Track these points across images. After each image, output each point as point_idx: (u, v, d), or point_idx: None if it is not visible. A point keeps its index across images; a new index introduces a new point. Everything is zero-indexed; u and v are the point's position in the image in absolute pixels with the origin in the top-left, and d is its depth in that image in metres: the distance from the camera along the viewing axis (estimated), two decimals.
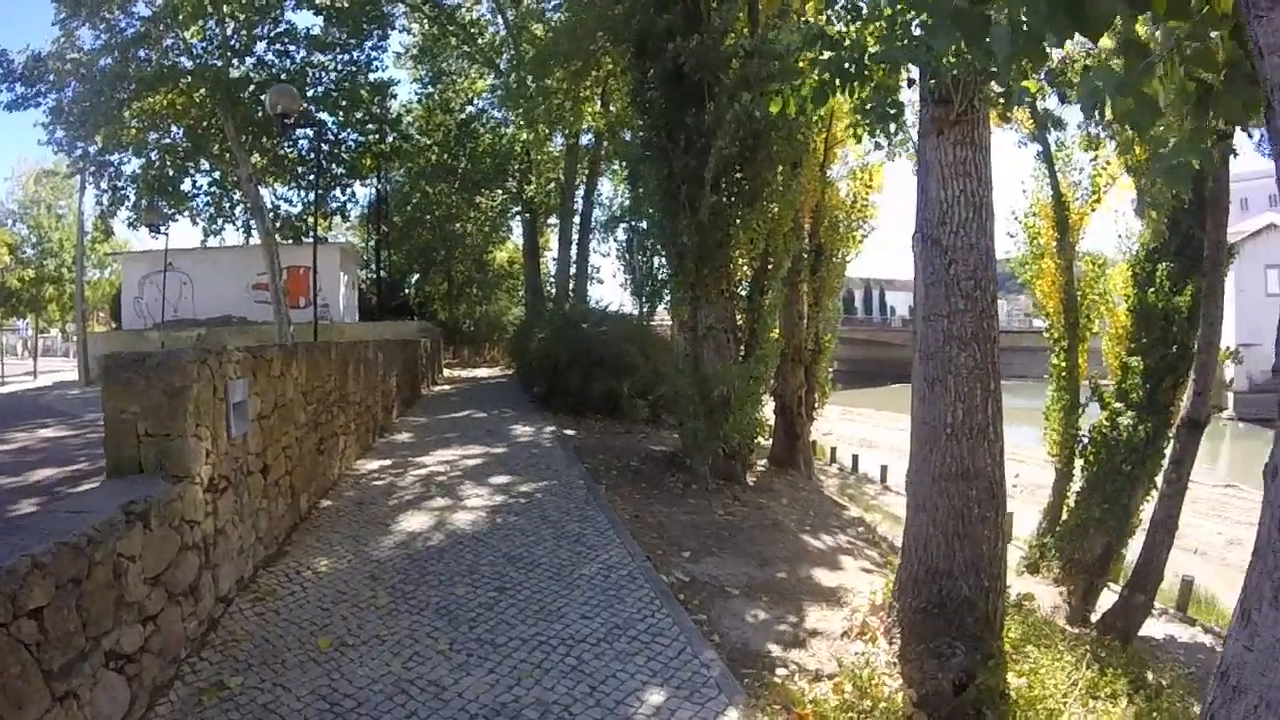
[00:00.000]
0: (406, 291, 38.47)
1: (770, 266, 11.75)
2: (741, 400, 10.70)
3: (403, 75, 30.42)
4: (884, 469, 21.56)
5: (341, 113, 22.40)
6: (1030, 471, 23.58)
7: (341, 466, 9.56)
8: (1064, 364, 11.63)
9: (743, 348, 11.48)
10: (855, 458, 21.21)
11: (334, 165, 23.67)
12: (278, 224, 23.86)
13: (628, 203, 26.52)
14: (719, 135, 10.30)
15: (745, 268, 11.85)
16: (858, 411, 34.45)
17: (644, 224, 26.15)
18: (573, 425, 14.72)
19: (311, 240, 24.87)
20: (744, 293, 12.01)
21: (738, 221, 10.85)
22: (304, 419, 7.67)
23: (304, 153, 23.08)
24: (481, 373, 30.45)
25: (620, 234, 29.19)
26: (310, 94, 20.98)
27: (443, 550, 6.67)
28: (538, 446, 12.06)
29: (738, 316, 11.61)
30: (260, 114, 19.40)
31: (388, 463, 10.53)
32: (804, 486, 13.83)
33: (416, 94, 32.83)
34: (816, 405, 16.12)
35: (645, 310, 23.11)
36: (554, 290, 30.17)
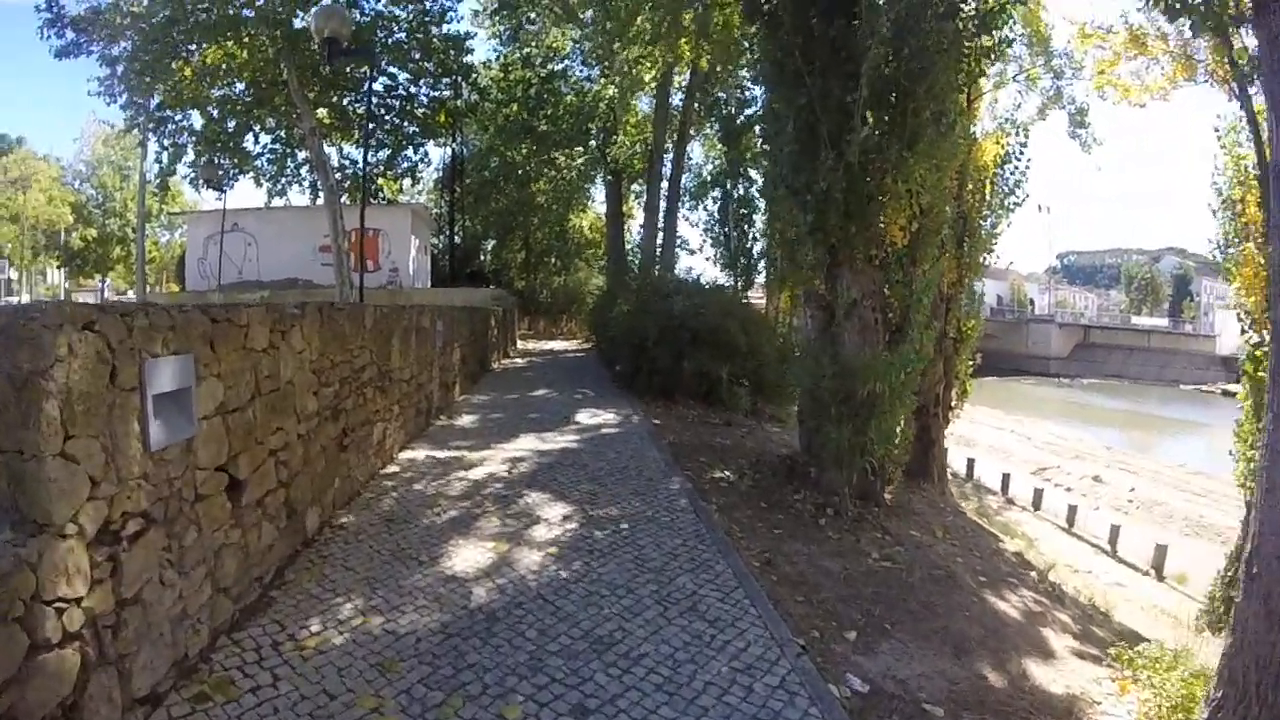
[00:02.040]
0: (482, 258, 36.78)
1: (926, 228, 9.19)
2: (892, 400, 8.26)
3: (480, 34, 28.20)
4: (1005, 478, 18.83)
5: (413, 65, 20.63)
6: (1185, 503, 20.62)
7: (377, 462, 7.49)
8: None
9: (888, 332, 9.04)
10: (971, 463, 18.40)
11: (405, 122, 21.93)
12: (345, 184, 22.48)
13: (724, 165, 24.26)
14: (873, 49, 7.82)
15: (899, 228, 9.30)
16: None
17: (740, 189, 24.09)
18: (662, 413, 12.48)
19: (373, 199, 23.49)
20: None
21: (895, 165, 8.33)
22: (314, 407, 5.55)
23: (374, 108, 21.55)
24: (558, 345, 28.45)
25: (711, 202, 27.20)
26: (381, 45, 19.54)
27: (493, 619, 4.44)
28: (624, 441, 9.82)
29: (886, 291, 9.14)
30: (325, 67, 18.00)
31: (439, 456, 8.44)
32: (943, 505, 11.32)
33: (495, 50, 30.84)
34: (955, 405, 13.49)
35: (739, 285, 20.67)
36: (639, 260, 27.95)
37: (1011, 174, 13.07)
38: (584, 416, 11.50)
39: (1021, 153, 12.98)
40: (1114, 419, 43.10)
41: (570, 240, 39.53)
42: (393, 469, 7.80)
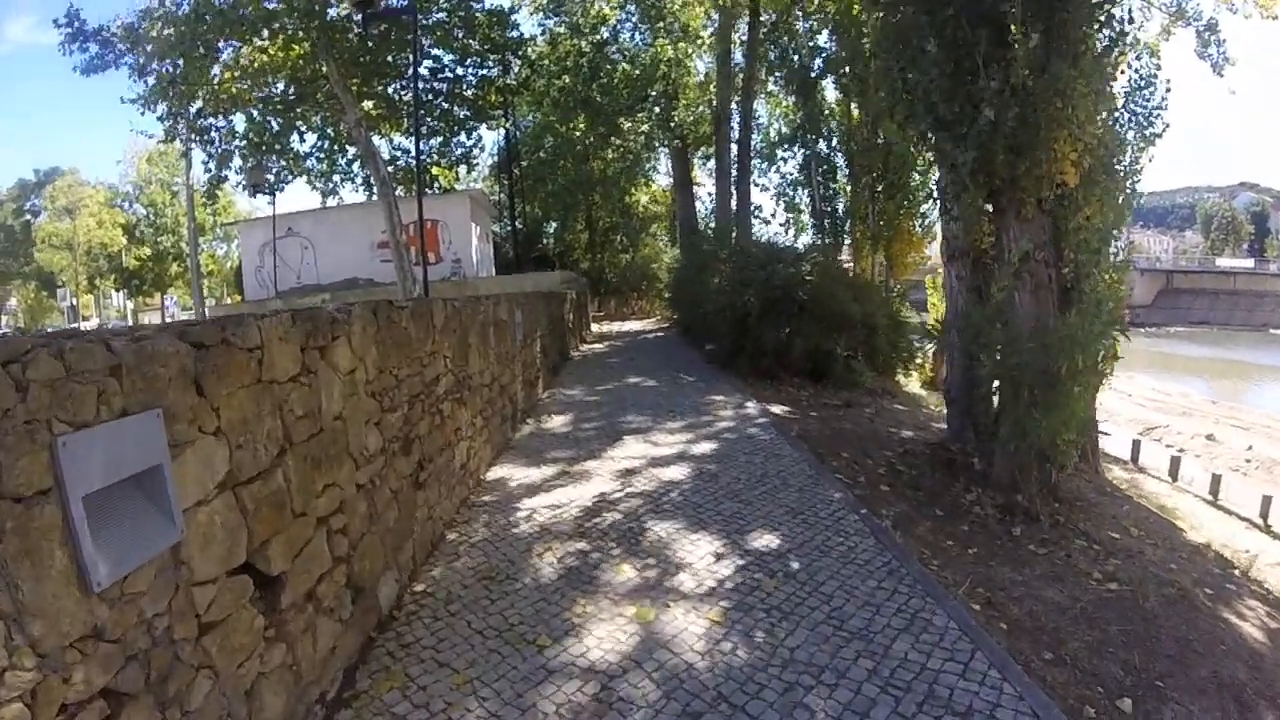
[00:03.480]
0: (545, 241, 35.43)
1: (1095, 165, 7.32)
2: (1076, 377, 6.53)
3: (523, 10, 26.61)
4: (1136, 445, 16.45)
5: (458, 44, 19.24)
6: None
7: (463, 491, 6.07)
8: None
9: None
10: (1137, 443, 16.04)
11: (454, 105, 20.65)
12: (398, 176, 21.37)
13: (798, 120, 22.32)
14: None
15: (1071, 163, 7.39)
16: None
17: (826, 143, 22.12)
18: (773, 396, 10.91)
19: (428, 189, 22.27)
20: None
21: (1064, 87, 6.52)
22: (377, 443, 4.10)
23: (420, 92, 20.37)
24: (633, 326, 26.94)
25: (782, 164, 25.29)
26: (421, 26, 18.13)
27: None
28: (749, 438, 8.23)
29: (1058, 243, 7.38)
30: (365, 57, 17.32)
31: (534, 474, 6.98)
32: (1113, 492, 9.47)
33: (539, 25, 29.20)
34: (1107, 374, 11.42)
35: (829, 247, 18.78)
36: (712, 230, 26.20)
37: (1146, 100, 10.91)
38: (691, 408, 9.93)
39: (1155, 76, 10.83)
40: (1207, 368, 39.66)
41: (634, 215, 37.94)
42: (482, 496, 6.37)
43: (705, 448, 7.80)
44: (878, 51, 9.21)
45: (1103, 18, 6.88)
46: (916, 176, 19.57)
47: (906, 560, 4.92)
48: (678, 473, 6.83)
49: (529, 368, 10.02)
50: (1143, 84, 11.40)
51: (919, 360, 16.96)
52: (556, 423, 9.35)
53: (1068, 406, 6.40)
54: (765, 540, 5.19)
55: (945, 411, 13.76)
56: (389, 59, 18.03)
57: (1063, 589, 5.04)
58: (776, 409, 10.01)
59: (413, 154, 20.61)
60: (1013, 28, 6.48)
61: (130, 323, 41.76)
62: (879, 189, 19.33)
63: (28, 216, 45.14)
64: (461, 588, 4.57)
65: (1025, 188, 6.79)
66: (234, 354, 2.62)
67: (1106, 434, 11.90)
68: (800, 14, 21.51)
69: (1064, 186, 7.01)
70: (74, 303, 43.68)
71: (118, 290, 43.08)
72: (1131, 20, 7.57)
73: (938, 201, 8.83)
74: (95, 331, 2.11)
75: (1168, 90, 10.12)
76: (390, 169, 20.65)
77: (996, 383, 7.22)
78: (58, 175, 43.91)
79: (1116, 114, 9.52)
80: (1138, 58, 11.43)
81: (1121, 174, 10.83)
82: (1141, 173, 10.97)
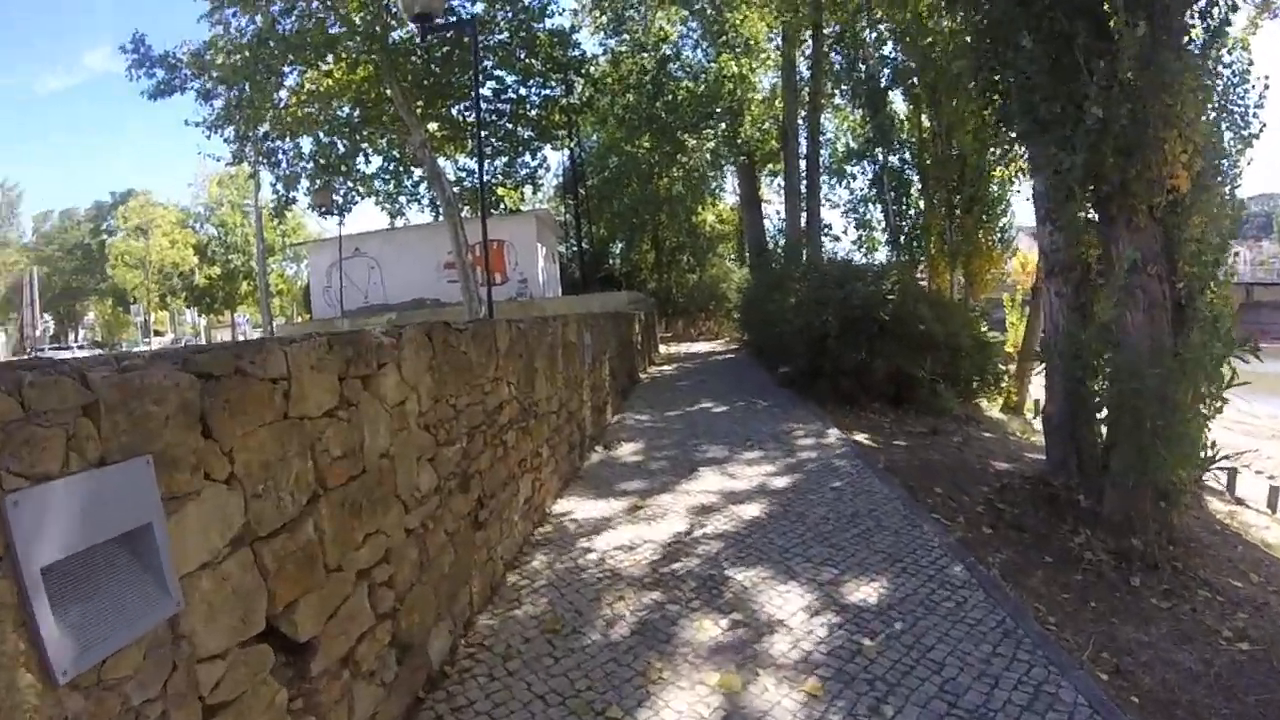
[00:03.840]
0: (611, 262, 35.18)
1: (1206, 169, 6.59)
2: (1190, 405, 5.85)
3: (583, 31, 26.48)
4: (1232, 475, 15.00)
5: (520, 65, 19.19)
6: None
7: (526, 527, 5.61)
8: None
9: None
10: (1233, 472, 14.75)
11: (518, 126, 20.63)
12: (463, 196, 21.40)
13: (867, 133, 21.59)
14: None
15: (1183, 166, 6.65)
16: None
17: (897, 156, 21.33)
18: (854, 423, 10.26)
19: (494, 210, 22.19)
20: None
21: (1171, 81, 5.87)
22: (431, 482, 3.66)
23: (484, 114, 20.36)
24: (701, 347, 26.37)
25: (851, 179, 24.57)
26: (482, 46, 18.11)
27: None
28: (833, 470, 7.61)
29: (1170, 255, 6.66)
30: (428, 81, 17.49)
31: (603, 508, 6.49)
32: (1222, 531, 8.54)
33: (600, 45, 29.04)
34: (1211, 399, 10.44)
35: (904, 266, 17.96)
36: (781, 249, 25.54)
37: (1242, 98, 9.94)
38: (768, 436, 9.34)
39: (1248, 72, 9.86)
40: None
41: (700, 235, 37.46)
42: (546, 531, 5.91)
43: (787, 481, 7.21)
44: (962, 53, 8.58)
45: (1202, 4, 6.22)
46: (994, 189, 18.73)
47: (1022, 619, 4.29)
48: (759, 510, 6.26)
49: (598, 392, 9.57)
50: (1237, 80, 10.48)
51: (1004, 384, 16.05)
52: (626, 451, 8.86)
53: (1189, 437, 5.70)
54: (863, 593, 4.59)
55: (1040, 440, 12.89)
56: (452, 81, 18.03)
57: (1193, 651, 4.38)
58: (859, 437, 9.37)
59: (477, 175, 20.61)
60: (1113, 19, 5.86)
61: (203, 339, 42.89)
62: (955, 202, 18.49)
63: (104, 236, 47.00)
64: (522, 641, 4.09)
65: (1136, 193, 6.13)
66: (251, 386, 2.19)
67: (1232, 467, 10.80)
68: (865, 23, 20.87)
69: (1175, 192, 6.32)
70: (146, 318, 45.22)
71: (188, 307, 44.50)
72: (1235, 8, 6.84)
73: (1034, 211, 8.09)
74: (69, 362, 1.69)
75: (1265, 87, 9.19)
76: (456, 189, 20.67)
77: (1104, 411, 6.55)
78: (131, 197, 45.68)
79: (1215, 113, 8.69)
80: (1229, 51, 10.55)
81: (1223, 180, 9.96)
82: (1241, 177, 10.05)
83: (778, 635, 4.05)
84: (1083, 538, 5.95)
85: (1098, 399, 6.73)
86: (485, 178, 21.38)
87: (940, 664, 3.74)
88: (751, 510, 6.25)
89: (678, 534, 5.70)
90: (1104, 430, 6.77)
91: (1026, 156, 7.74)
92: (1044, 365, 7.92)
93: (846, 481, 7.13)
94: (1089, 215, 6.83)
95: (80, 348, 43.41)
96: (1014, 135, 7.85)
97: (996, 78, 7.43)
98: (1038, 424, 17.02)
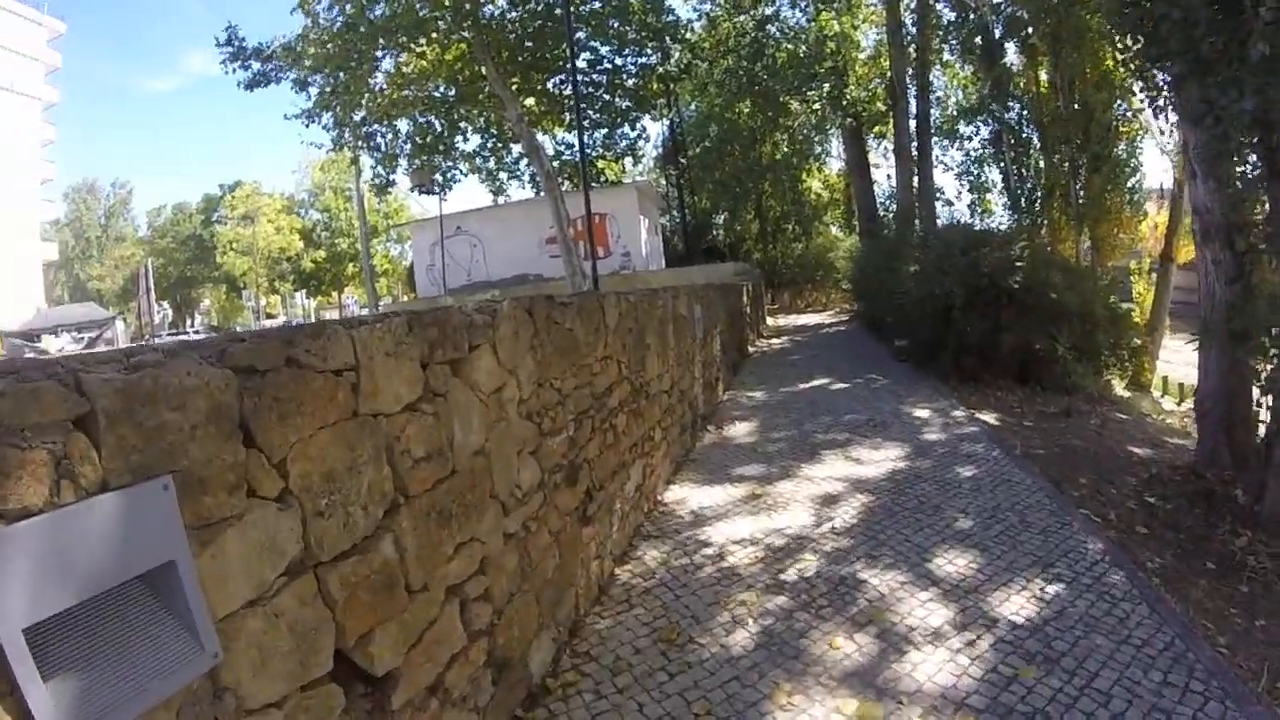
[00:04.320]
0: (715, 233, 34.46)
1: None
2: None
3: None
4: None
5: (614, 33, 18.75)
6: None
7: (636, 517, 5.18)
8: None
9: None
10: None
11: (615, 97, 20.22)
12: (564, 171, 21.19)
13: (984, 89, 20.23)
14: None
15: None
16: None
17: (1015, 112, 19.90)
18: (981, 402, 9.46)
19: (595, 183, 21.87)
20: None
21: None
22: (533, 478, 3.25)
23: (580, 84, 20.02)
24: (810, 319, 25.45)
25: (964, 140, 23.22)
26: (577, 17, 17.98)
27: None
28: (965, 456, 6.89)
29: None
30: (522, 56, 17.38)
31: (718, 495, 6.01)
32: None
33: (694, 9, 28.07)
34: None
35: (1028, 230, 16.65)
36: (893, 214, 24.35)
37: None
38: (891, 416, 8.65)
39: None
40: None
41: (806, 203, 36.28)
42: (658, 521, 5.47)
43: (917, 467, 6.55)
44: None
45: None
46: (1122, 146, 17.21)
47: (1192, 641, 3.61)
48: (889, 501, 5.66)
49: (709, 368, 9.07)
50: None
51: (1143, 360, 14.80)
52: (740, 431, 8.34)
53: None
54: (1014, 605, 3.97)
55: (1175, 423, 11.74)
56: (546, 54, 17.75)
57: None
58: (987, 417, 8.59)
59: (577, 149, 20.34)
60: None
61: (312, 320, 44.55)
62: (1080, 162, 17.03)
63: (214, 226, 49.24)
64: (633, 651, 3.66)
65: None
66: (308, 380, 1.79)
67: None
68: None
69: None
70: (257, 303, 47.19)
71: (295, 291, 46.14)
72: None
73: (1186, 167, 7.11)
74: (62, 361, 1.31)
75: None
76: (555, 163, 20.48)
77: (1270, 397, 5.70)
78: (239, 188, 47.63)
79: None
80: None
81: None
82: None
83: (921, 655, 3.50)
84: (1244, 540, 5.18)
85: (1263, 383, 5.88)
86: (584, 150, 21.16)
87: (1107, 695, 3.13)
88: (881, 501, 5.65)
89: (802, 527, 5.17)
90: (1265, 418, 6.03)
91: (1177, 104, 6.76)
92: (1196, 343, 7.03)
93: (983, 469, 6.43)
94: (1255, 169, 5.92)
95: (196, 332, 45.62)
96: (1166, 79, 6.92)
97: (1142, 14, 6.50)
98: (1167, 403, 15.72)
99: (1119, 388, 13.64)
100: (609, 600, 4.20)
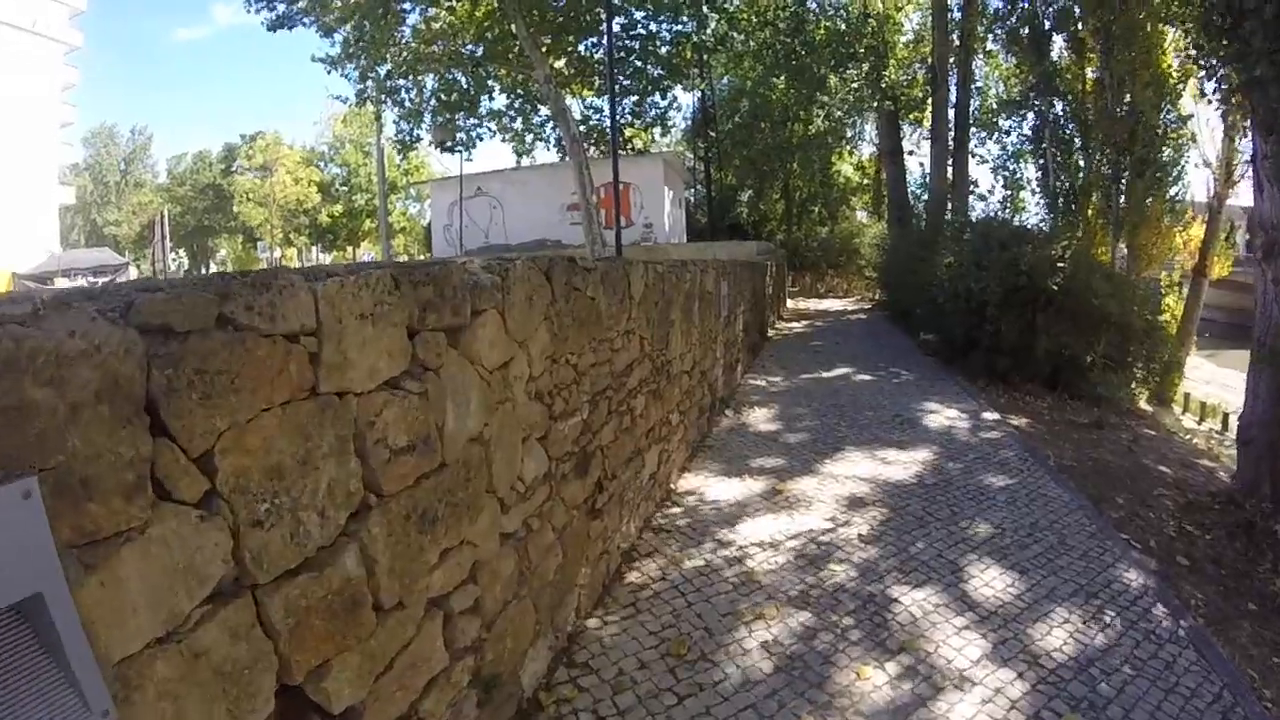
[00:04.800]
0: (739, 210, 33.85)
1: None
2: None
3: None
4: None
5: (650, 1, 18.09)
6: None
7: (649, 508, 4.79)
8: None
9: None
10: None
11: (648, 64, 19.62)
12: (591, 137, 20.67)
13: (1029, 80, 19.53)
14: None
15: None
16: None
17: (1059, 108, 19.21)
18: (1010, 406, 9.07)
19: (622, 151, 21.38)
20: None
21: None
22: (540, 468, 2.84)
23: (613, 48, 19.49)
24: (831, 304, 24.90)
25: (1003, 135, 22.61)
26: None
27: None
28: (998, 464, 6.44)
29: None
30: (554, 15, 16.88)
31: (735, 488, 5.59)
32: None
33: None
34: None
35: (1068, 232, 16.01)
36: (925, 204, 23.72)
37: None
38: (918, 413, 8.19)
39: None
40: None
41: (834, 186, 35.53)
42: (671, 513, 5.06)
43: (948, 471, 6.11)
44: None
45: None
46: (1167, 151, 16.55)
47: (1241, 695, 3.26)
48: (920, 508, 5.23)
49: (730, 348, 8.63)
50: None
51: (1173, 376, 14.32)
52: (759, 417, 7.91)
53: None
54: (1056, 638, 3.57)
55: (1200, 444, 11.26)
56: (579, 16, 17.19)
57: None
58: (1018, 422, 8.15)
59: (605, 114, 19.82)
60: None
61: None
62: (1124, 164, 16.37)
63: (234, 175, 48.67)
64: (637, 665, 3.28)
65: None
66: (250, 346, 1.37)
67: None
68: None
69: None
70: (273, 255, 46.65)
71: (311, 245, 45.58)
72: None
73: (1253, 176, 6.58)
74: None
75: None
76: (581, 129, 20.01)
77: None
78: (259, 138, 47.04)
79: None
80: None
81: None
82: None
83: (959, 693, 3.12)
84: None
85: None
86: (614, 116, 20.65)
87: None
88: (912, 507, 5.23)
89: (826, 531, 4.75)
90: None
91: (1252, 110, 6.25)
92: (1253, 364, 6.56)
93: (1017, 480, 5.99)
94: None
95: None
96: (1242, 80, 6.38)
97: (1226, 8, 5.95)
98: (1187, 420, 15.19)
99: (1142, 401, 13.19)
100: (613, 603, 3.81)
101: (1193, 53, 9.15)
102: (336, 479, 1.65)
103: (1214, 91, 6.71)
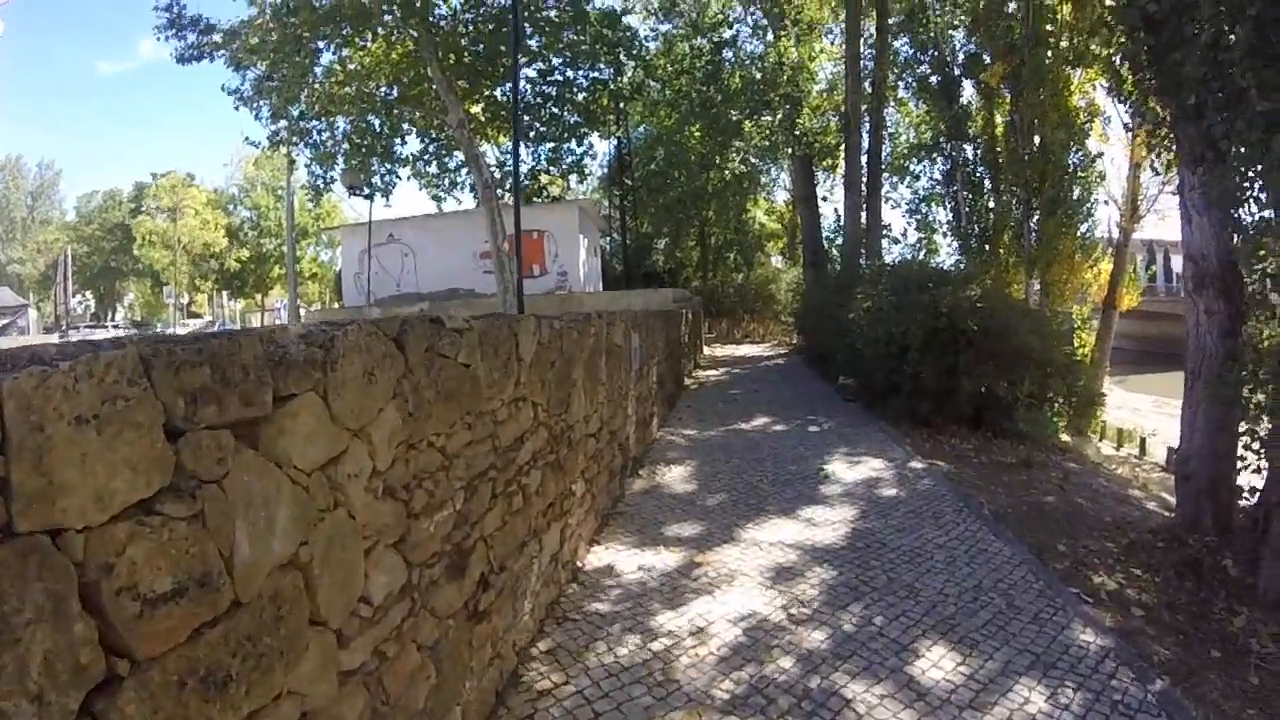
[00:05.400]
0: (655, 258, 33.85)
1: None
2: None
3: (634, 19, 25.19)
4: None
5: (567, 44, 18.15)
6: None
7: (550, 592, 4.23)
8: None
9: None
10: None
11: (564, 111, 19.52)
12: (505, 183, 20.31)
13: (940, 126, 20.11)
14: None
15: None
16: (1177, 404, 25.14)
17: (970, 150, 19.70)
18: (937, 451, 8.90)
19: (536, 198, 21.11)
20: None
21: None
22: (395, 581, 2.27)
23: (529, 97, 19.25)
24: (749, 350, 24.77)
25: (920, 179, 23.29)
26: (530, 27, 17.38)
27: None
28: (931, 517, 6.09)
29: None
30: (470, 59, 16.68)
31: (650, 563, 5.05)
32: None
33: (652, 30, 27.51)
34: None
35: (982, 271, 16.32)
36: (839, 249, 24.02)
37: None
38: (842, 465, 7.84)
39: None
40: None
41: (749, 232, 35.86)
42: (577, 597, 4.50)
43: (881, 532, 5.72)
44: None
45: None
46: (1077, 190, 17.14)
47: None
48: (854, 577, 4.79)
49: (644, 403, 8.16)
50: None
51: (1095, 408, 14.53)
52: (676, 477, 7.42)
53: None
54: None
55: (1124, 472, 11.35)
56: (497, 62, 16.93)
57: None
58: (946, 468, 7.92)
59: (512, 155, 19.55)
60: None
61: (239, 324, 42.28)
62: (1034, 204, 16.86)
63: (143, 216, 46.65)
64: None
65: None
66: None
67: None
68: (937, 8, 19.33)
69: None
70: (178, 301, 44.65)
71: (217, 290, 43.86)
72: None
73: (1180, 209, 6.52)
74: None
75: None
76: (496, 173, 19.64)
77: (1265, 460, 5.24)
78: (167, 177, 45.30)
79: None
80: None
81: None
82: None
83: None
84: (1243, 619, 4.62)
85: (1261, 446, 5.34)
86: (529, 164, 20.37)
87: None
88: (845, 577, 4.79)
89: (755, 614, 4.25)
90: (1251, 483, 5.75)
91: (1180, 141, 6.22)
92: (1188, 397, 6.49)
93: (954, 535, 5.66)
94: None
95: (116, 327, 42.99)
96: (1169, 111, 6.36)
97: (1155, 41, 5.92)
98: (1106, 448, 15.44)
99: (1063, 434, 13.31)
100: (509, 716, 3.23)
101: (1108, 88, 9.26)
102: (55, 650, 1.10)
103: (1135, 125, 6.68)
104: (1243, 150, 4.85)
